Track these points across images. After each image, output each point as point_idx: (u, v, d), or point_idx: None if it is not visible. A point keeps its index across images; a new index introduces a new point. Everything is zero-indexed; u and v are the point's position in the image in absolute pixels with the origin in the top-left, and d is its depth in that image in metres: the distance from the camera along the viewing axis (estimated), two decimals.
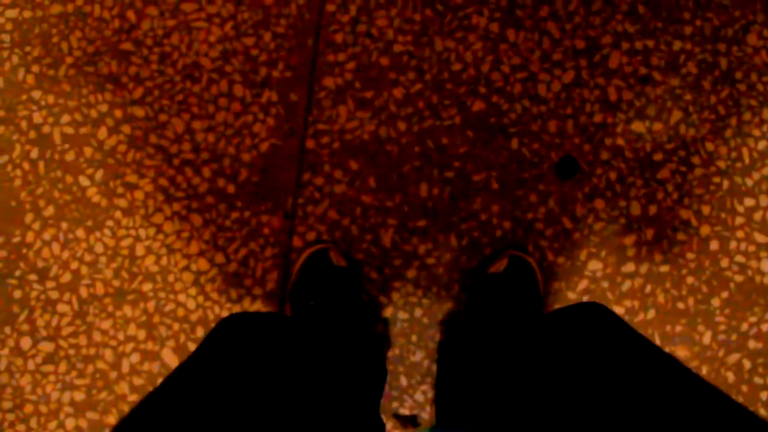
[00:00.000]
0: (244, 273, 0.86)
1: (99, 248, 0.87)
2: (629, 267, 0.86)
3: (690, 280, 0.86)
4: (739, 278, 0.86)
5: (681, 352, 0.86)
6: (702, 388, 0.39)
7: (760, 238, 0.87)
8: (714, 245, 0.87)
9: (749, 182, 0.87)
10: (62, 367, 0.86)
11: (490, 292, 0.80)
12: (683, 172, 0.87)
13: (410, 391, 0.85)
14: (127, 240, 0.87)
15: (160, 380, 0.86)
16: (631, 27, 0.89)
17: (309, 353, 0.61)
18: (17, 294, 0.87)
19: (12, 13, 0.89)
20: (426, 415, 0.85)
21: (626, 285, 0.86)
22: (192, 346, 0.86)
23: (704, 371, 0.85)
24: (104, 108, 0.89)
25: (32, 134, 0.88)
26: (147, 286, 0.87)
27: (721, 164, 0.87)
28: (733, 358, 0.85)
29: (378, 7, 0.89)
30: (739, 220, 0.87)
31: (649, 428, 0.35)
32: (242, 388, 0.43)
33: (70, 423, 0.85)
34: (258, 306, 0.86)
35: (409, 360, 0.85)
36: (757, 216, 0.87)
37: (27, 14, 0.89)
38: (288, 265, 0.86)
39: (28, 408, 0.86)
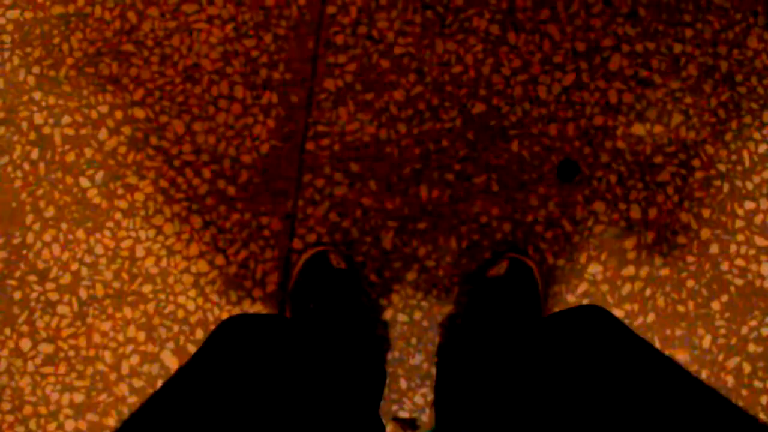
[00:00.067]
0: (244, 275, 0.86)
1: (99, 249, 0.87)
2: (629, 270, 0.86)
3: (690, 283, 0.86)
4: (739, 282, 0.86)
5: (681, 356, 0.85)
6: (702, 392, 0.39)
7: (760, 241, 0.87)
8: (714, 248, 0.87)
9: (749, 185, 0.87)
10: (62, 368, 0.86)
11: (490, 295, 0.80)
12: (683, 175, 0.87)
13: (410, 394, 0.85)
14: (127, 241, 0.87)
15: (159, 382, 0.86)
16: (632, 30, 0.89)
17: (309, 355, 0.61)
18: (17, 295, 0.87)
19: (13, 14, 0.90)
20: (425, 418, 0.85)
21: (626, 288, 0.86)
22: (192, 348, 0.86)
23: (704, 375, 0.85)
24: (105, 109, 0.89)
25: (33, 135, 0.88)
26: (147, 288, 0.87)
27: (722, 167, 0.87)
28: (733, 361, 0.85)
29: (379, 9, 0.89)
30: (739, 224, 0.87)
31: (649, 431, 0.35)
32: (242, 391, 0.43)
33: (69, 425, 0.85)
34: (258, 308, 0.86)
35: (409, 363, 0.85)
36: (758, 219, 0.87)
37: (28, 15, 0.90)
38: (288, 267, 0.86)
39: (28, 410, 0.86)
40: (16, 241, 0.88)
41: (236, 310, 0.86)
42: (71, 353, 0.86)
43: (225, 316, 0.86)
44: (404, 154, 0.87)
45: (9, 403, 0.86)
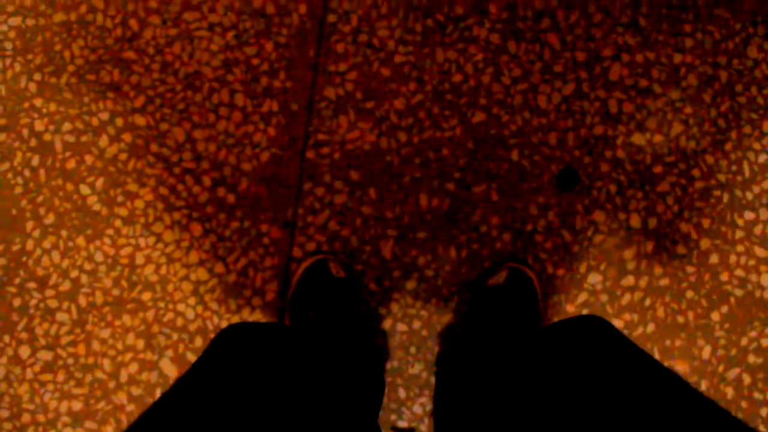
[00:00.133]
0: (244, 283, 0.86)
1: (99, 257, 0.87)
2: (629, 280, 0.86)
3: (690, 294, 0.86)
4: (738, 292, 0.86)
5: (680, 367, 0.85)
6: (701, 404, 0.39)
7: (760, 252, 0.87)
8: (714, 259, 0.87)
9: (749, 196, 0.87)
10: (60, 376, 0.86)
11: (489, 305, 0.79)
12: (683, 185, 0.87)
13: (408, 403, 0.85)
14: (127, 249, 0.87)
15: (158, 390, 0.86)
16: (632, 39, 0.89)
17: (308, 364, 0.61)
18: (17, 302, 0.87)
19: (15, 21, 0.90)
20: (424, 427, 0.85)
21: (626, 298, 0.86)
22: (191, 356, 0.86)
23: (703, 386, 0.85)
24: (106, 116, 0.89)
25: (33, 142, 0.89)
26: (146, 296, 0.87)
27: (722, 177, 0.87)
28: (733, 373, 0.85)
29: (379, 18, 0.89)
30: (739, 234, 0.87)
31: None
32: (242, 401, 0.43)
33: None
34: (257, 316, 0.86)
35: (408, 372, 0.85)
36: (758, 230, 0.87)
37: (30, 22, 0.90)
38: (287, 275, 0.86)
39: (26, 417, 0.85)
40: (15, 248, 0.88)
41: (235, 319, 0.86)
42: (70, 361, 0.86)
43: (224, 324, 0.86)
44: (404, 162, 0.87)
45: (7, 410, 0.86)
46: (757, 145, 0.88)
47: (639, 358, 0.49)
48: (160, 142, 0.88)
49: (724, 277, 0.86)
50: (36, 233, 0.88)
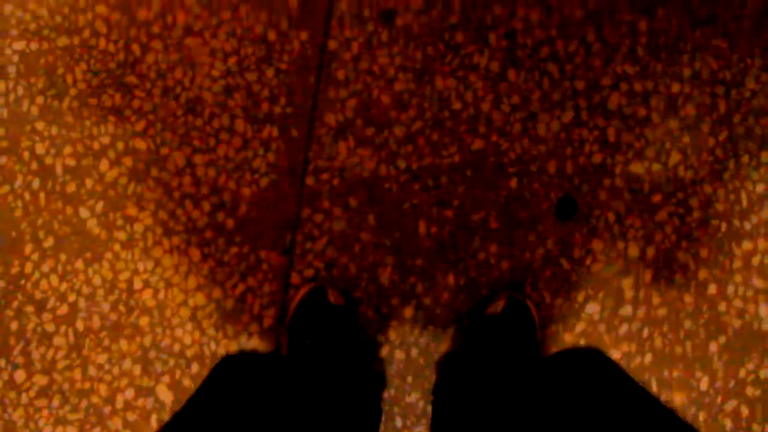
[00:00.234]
0: (242, 309, 0.86)
1: (97, 281, 0.87)
2: (626, 310, 0.86)
3: (687, 324, 0.86)
4: (736, 323, 0.86)
5: (678, 398, 0.85)
6: None
7: (758, 282, 0.87)
8: (712, 289, 0.87)
9: (747, 225, 0.88)
10: (56, 401, 0.86)
11: (486, 334, 0.79)
12: (681, 215, 0.87)
13: None
14: (126, 273, 0.87)
15: (154, 416, 0.86)
16: (631, 69, 0.90)
17: (305, 393, 0.61)
18: (14, 326, 0.87)
19: (19, 45, 0.91)
20: None
21: (623, 328, 0.86)
22: (187, 382, 0.86)
23: (701, 418, 0.84)
24: (107, 140, 0.89)
25: (34, 165, 0.89)
26: (144, 320, 0.86)
27: (720, 207, 0.88)
28: (731, 404, 0.85)
29: (380, 45, 0.90)
30: (737, 264, 0.87)
31: None
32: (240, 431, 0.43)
33: None
34: (255, 342, 0.86)
35: (405, 401, 0.85)
36: (756, 260, 0.87)
37: (34, 46, 0.91)
38: (285, 301, 0.86)
39: None
40: (14, 271, 0.88)
41: (233, 344, 0.86)
42: (66, 386, 0.86)
43: (222, 350, 0.85)
44: (403, 189, 0.88)
45: None
46: (755, 175, 0.88)
47: (636, 394, 0.49)
48: (160, 166, 0.89)
49: (722, 307, 0.86)
50: (35, 256, 0.88)
